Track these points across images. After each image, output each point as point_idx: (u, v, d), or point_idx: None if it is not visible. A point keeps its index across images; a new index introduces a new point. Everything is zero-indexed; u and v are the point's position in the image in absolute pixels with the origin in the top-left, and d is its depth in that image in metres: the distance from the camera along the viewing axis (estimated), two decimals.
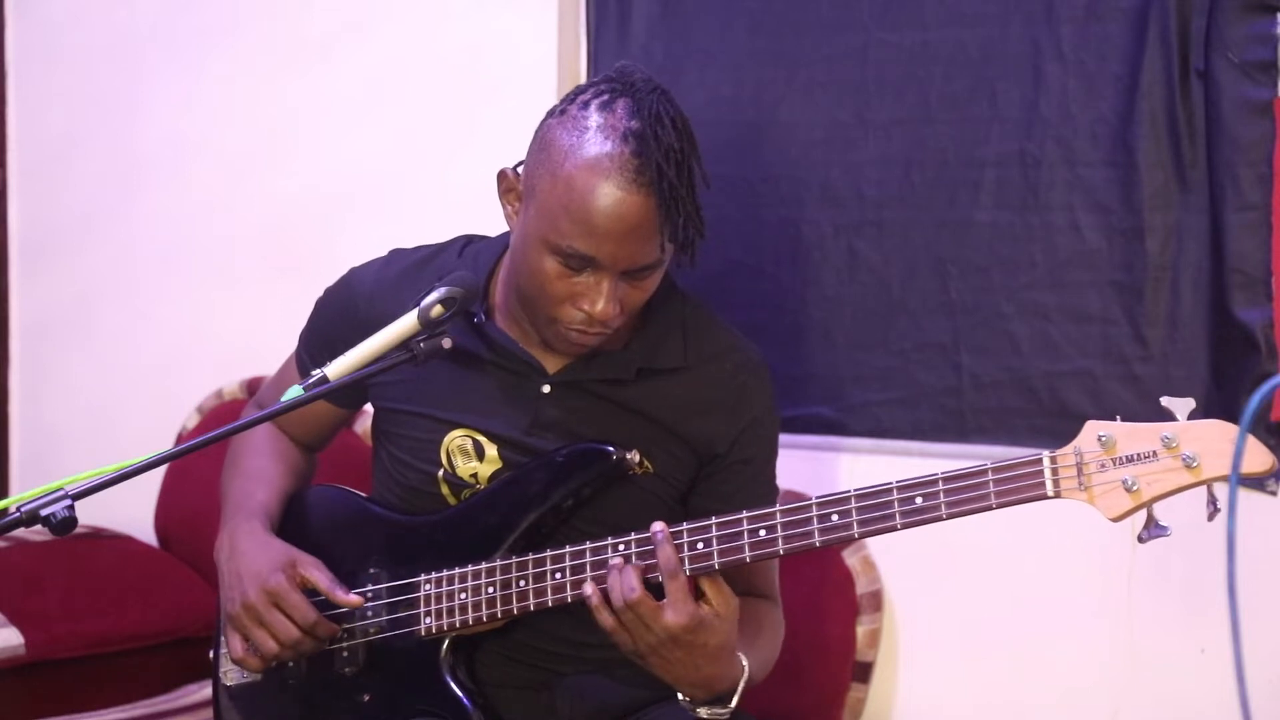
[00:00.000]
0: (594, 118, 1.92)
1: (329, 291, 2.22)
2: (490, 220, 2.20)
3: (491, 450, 2.07)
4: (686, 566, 1.88)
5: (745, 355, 2.11)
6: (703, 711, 1.95)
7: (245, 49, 3.37)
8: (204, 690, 2.94)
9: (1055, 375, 2.56)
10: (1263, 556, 2.26)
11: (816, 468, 2.65)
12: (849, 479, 2.69)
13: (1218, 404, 2.43)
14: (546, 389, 2.06)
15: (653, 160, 1.88)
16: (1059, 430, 2.53)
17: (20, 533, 1.93)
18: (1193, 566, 2.33)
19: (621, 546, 1.92)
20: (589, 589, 1.90)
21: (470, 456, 2.08)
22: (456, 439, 2.08)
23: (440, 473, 2.09)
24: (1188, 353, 2.46)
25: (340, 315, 2.16)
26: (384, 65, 3.19)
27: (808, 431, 2.71)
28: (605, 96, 1.94)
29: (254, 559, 2.07)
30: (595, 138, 1.90)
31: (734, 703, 1.95)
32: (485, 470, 2.07)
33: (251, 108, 3.37)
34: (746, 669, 1.95)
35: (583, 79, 2.93)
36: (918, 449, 2.65)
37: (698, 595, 1.88)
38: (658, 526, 1.88)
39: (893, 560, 2.64)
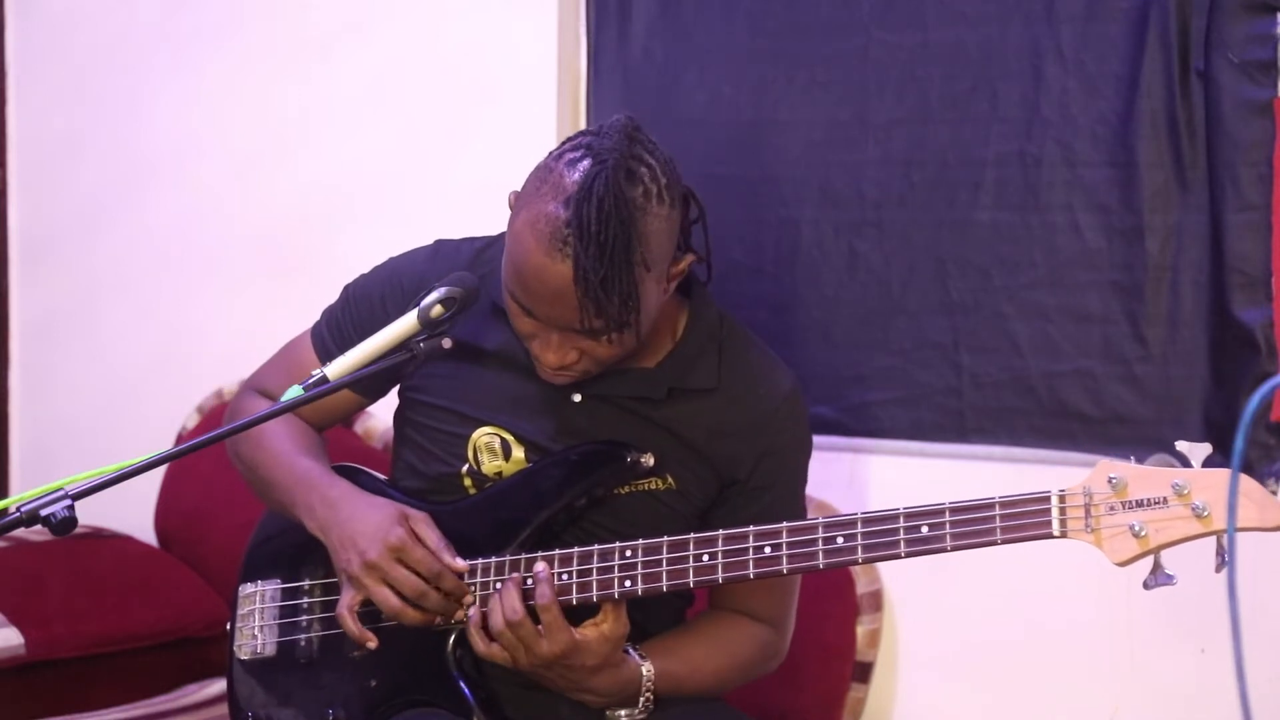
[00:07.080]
0: (556, 171, 1.89)
1: (367, 275, 2.19)
2: (489, 221, 2.20)
3: (518, 451, 2.07)
4: (691, 579, 1.92)
5: (777, 382, 2.10)
6: (621, 713, 2.01)
7: (245, 49, 3.37)
8: (204, 690, 2.94)
9: (1055, 375, 2.56)
10: (1263, 556, 2.25)
11: (816, 468, 2.63)
12: (848, 479, 2.69)
13: (1218, 404, 2.44)
14: (577, 398, 2.06)
15: (572, 237, 1.84)
16: (1059, 430, 2.56)
17: (20, 533, 1.93)
18: (1193, 566, 2.33)
19: (629, 553, 1.94)
20: (471, 612, 1.96)
21: (497, 455, 2.08)
22: (485, 436, 2.09)
23: (465, 468, 2.10)
24: (1188, 353, 2.46)
25: (387, 295, 2.12)
26: (384, 65, 3.19)
27: None
28: (579, 152, 1.89)
29: (365, 518, 2.00)
30: (546, 193, 1.87)
31: (642, 702, 2.00)
32: (510, 470, 2.08)
33: (251, 108, 3.37)
34: (649, 672, 1.99)
35: (583, 79, 2.93)
36: (917, 449, 2.65)
37: (594, 614, 1.95)
38: (539, 567, 1.94)
39: (893, 560, 2.63)
